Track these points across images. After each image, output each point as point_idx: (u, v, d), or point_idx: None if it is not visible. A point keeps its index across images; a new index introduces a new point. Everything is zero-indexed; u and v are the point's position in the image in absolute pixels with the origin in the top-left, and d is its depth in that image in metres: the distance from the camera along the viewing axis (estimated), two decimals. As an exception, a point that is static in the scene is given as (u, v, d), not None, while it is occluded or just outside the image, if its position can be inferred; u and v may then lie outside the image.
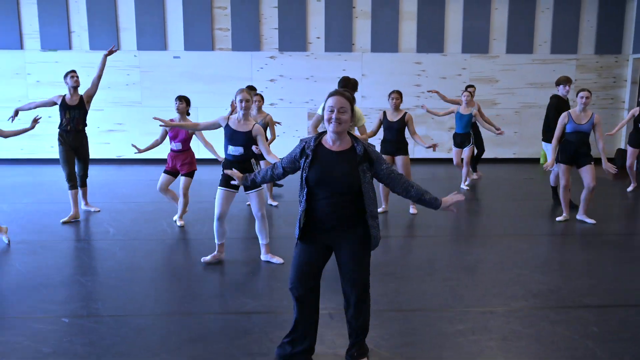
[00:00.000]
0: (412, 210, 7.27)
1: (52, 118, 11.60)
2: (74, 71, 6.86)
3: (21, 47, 11.44)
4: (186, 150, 6.48)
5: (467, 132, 8.81)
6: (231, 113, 6.34)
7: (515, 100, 12.11)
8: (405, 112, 7.02)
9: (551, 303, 4.27)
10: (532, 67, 11.95)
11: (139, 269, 5.05)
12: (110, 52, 6.77)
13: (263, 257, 5.13)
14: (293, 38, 11.67)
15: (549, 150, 7.18)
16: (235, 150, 4.81)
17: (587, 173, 6.53)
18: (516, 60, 11.95)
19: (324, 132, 2.94)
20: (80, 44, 11.50)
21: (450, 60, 11.90)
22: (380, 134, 7.29)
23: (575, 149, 6.54)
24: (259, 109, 7.17)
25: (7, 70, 11.51)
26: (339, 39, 11.72)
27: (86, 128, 6.98)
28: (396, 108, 6.97)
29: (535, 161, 12.17)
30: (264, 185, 5.09)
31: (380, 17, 11.70)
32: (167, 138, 6.52)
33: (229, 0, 11.51)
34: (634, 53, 12.10)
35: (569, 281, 4.76)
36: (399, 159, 6.95)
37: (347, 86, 5.67)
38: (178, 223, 6.57)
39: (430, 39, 11.80)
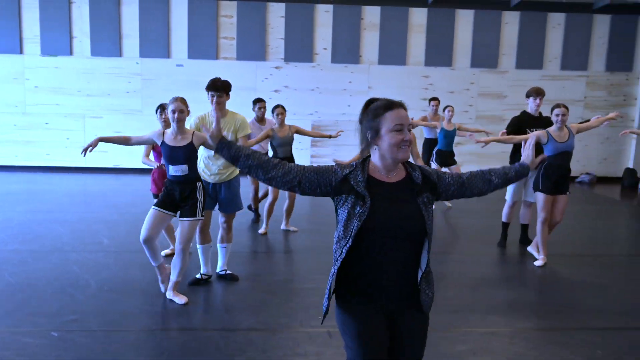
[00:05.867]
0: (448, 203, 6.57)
1: (49, 125, 11.64)
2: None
3: (21, 51, 11.50)
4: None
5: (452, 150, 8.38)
6: (165, 127, 5.08)
7: (525, 116, 12.09)
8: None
9: (556, 325, 4.22)
10: (542, 83, 11.87)
11: (133, 282, 4.96)
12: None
13: (168, 294, 4.55)
14: (299, 49, 11.72)
15: None
16: (178, 170, 4.30)
17: (560, 204, 5.71)
18: (525, 76, 11.95)
19: (367, 159, 2.27)
20: (82, 50, 11.57)
21: (458, 75, 11.92)
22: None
23: (559, 175, 5.61)
24: (282, 122, 6.64)
25: (5, 75, 11.56)
26: (346, 50, 11.77)
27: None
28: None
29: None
30: (200, 216, 4.40)
31: (388, 29, 11.75)
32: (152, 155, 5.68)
33: (235, 8, 11.60)
34: (646, 71, 12.10)
35: (575, 303, 4.71)
36: None
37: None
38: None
39: (439, 53, 11.84)
